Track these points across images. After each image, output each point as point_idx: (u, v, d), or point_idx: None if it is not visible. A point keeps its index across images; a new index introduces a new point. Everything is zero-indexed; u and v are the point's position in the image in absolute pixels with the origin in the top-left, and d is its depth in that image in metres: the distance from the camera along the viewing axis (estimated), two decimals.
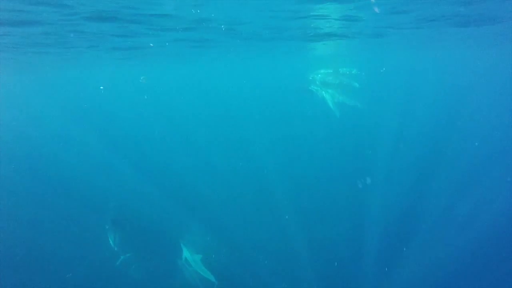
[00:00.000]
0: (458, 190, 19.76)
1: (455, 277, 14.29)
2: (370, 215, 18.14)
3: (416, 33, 21.00)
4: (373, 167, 23.05)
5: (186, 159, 25.89)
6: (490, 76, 55.05)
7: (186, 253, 13.95)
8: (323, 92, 16.14)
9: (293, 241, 16.30)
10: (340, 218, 17.92)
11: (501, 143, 27.21)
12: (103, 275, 14.61)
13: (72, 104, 55.29)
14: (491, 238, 15.77)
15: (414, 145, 26.67)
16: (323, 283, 14.51)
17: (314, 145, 27.98)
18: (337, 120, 16.92)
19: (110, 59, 26.22)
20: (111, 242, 14.55)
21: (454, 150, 25.28)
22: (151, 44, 21.69)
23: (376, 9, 12.04)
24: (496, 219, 16.71)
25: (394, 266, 15.15)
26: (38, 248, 15.98)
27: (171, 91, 66.71)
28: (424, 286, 14.35)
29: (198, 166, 24.41)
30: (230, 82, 67.45)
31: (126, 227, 15.84)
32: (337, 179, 21.65)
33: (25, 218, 18.34)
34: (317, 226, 17.30)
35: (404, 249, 15.97)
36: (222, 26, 16.25)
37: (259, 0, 10.89)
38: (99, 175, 23.10)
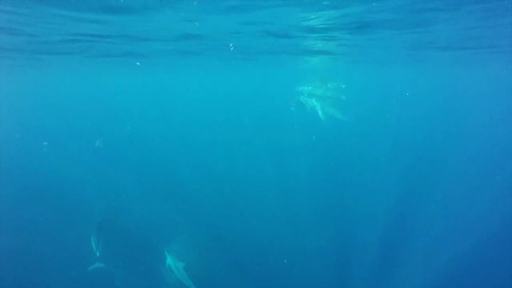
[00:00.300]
0: (445, 201, 20.30)
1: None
2: (361, 220, 18.41)
3: (404, 54, 21.75)
4: (361, 176, 23.59)
5: (174, 166, 25.75)
6: (476, 96, 57.03)
7: (169, 260, 13.85)
8: (312, 102, 16.46)
9: (279, 250, 16.20)
10: (329, 225, 18.01)
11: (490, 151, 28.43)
12: (86, 281, 14.35)
13: (63, 108, 54.71)
14: (483, 246, 16.27)
15: (400, 155, 27.48)
16: None
17: (301, 152, 28.36)
18: (325, 130, 17.24)
19: (101, 64, 26.17)
20: (94, 247, 14.34)
21: (441, 160, 26.18)
22: (138, 63, 21.69)
23: None
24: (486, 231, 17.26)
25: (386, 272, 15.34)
26: (22, 252, 15.65)
27: (162, 98, 66.52)
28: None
29: (188, 174, 24.30)
30: (218, 91, 67.66)
31: (111, 232, 15.63)
32: (323, 187, 21.93)
33: (11, 221, 17.98)
34: (306, 234, 17.28)
35: (393, 256, 16.22)
36: (231, 45, 16.45)
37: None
38: (87, 179, 22.82)
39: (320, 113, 16.10)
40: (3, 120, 44.82)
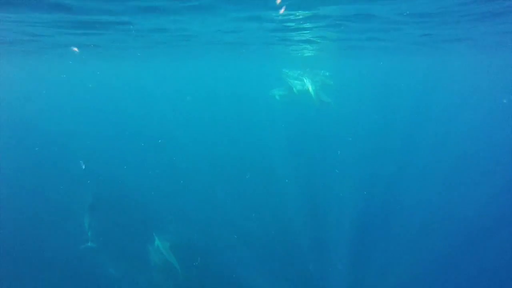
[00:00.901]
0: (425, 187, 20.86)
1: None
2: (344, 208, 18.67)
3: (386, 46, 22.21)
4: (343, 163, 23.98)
5: (164, 153, 25.70)
6: (447, 83, 58.74)
7: (157, 241, 14.23)
8: (304, 85, 16.52)
9: (261, 233, 16.47)
10: (312, 212, 18.28)
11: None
12: (77, 259, 14.60)
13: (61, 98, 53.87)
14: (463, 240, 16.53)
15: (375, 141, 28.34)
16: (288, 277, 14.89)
17: (285, 139, 28.74)
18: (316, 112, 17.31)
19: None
20: (86, 225, 14.59)
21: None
22: (74, 48, 21.22)
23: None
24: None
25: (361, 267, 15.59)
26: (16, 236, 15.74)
27: (153, 88, 65.41)
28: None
29: (178, 159, 24.34)
30: (204, 81, 67.00)
31: (104, 214, 15.84)
32: (301, 175, 22.07)
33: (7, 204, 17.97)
34: (287, 221, 17.49)
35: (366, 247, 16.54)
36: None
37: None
38: (82, 160, 22.74)
39: (312, 93, 16.20)
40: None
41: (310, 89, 16.33)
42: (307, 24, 14.24)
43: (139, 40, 18.48)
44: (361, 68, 47.50)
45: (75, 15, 11.26)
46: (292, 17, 12.18)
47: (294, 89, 16.78)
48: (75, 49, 21.10)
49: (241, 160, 24.06)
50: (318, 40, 19.52)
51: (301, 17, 12.16)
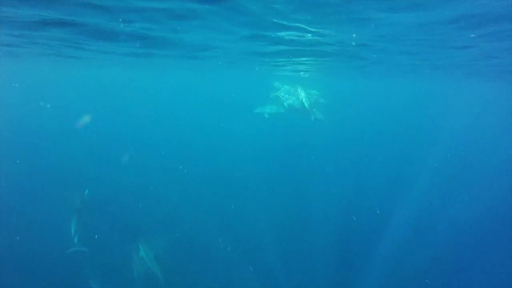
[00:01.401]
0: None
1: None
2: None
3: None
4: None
5: (151, 165, 25.80)
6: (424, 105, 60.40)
7: (142, 250, 14.22)
8: (299, 100, 16.49)
9: (247, 247, 16.56)
10: (300, 223, 18.66)
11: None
12: (57, 266, 14.49)
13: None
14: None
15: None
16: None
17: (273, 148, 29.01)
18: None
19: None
20: (72, 231, 14.51)
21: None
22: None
23: None
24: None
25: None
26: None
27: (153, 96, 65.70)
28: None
29: (165, 168, 24.42)
30: (198, 93, 67.51)
31: (91, 218, 15.73)
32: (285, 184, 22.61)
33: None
34: (276, 232, 17.60)
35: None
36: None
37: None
38: (70, 169, 22.77)
39: (307, 107, 16.03)
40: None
41: (305, 102, 16.12)
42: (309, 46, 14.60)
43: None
44: (353, 89, 48.51)
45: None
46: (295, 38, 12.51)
47: (285, 103, 16.59)
48: None
49: (230, 169, 24.24)
50: (313, 62, 20.00)
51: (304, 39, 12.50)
